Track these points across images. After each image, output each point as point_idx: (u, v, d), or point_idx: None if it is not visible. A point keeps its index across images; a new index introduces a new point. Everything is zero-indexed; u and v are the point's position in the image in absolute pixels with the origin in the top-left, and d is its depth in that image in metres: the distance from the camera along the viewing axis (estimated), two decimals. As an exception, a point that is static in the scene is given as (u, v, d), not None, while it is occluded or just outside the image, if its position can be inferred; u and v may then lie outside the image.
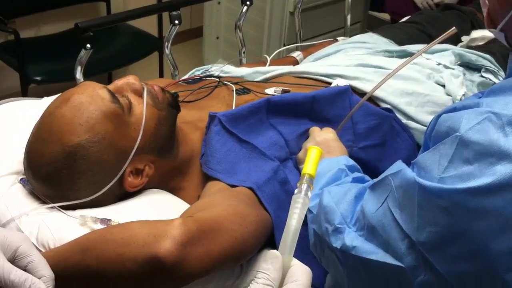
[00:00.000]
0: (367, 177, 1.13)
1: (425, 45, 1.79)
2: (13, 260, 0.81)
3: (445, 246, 0.81)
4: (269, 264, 0.72)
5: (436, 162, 0.83)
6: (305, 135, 1.35)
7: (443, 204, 0.80)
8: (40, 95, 1.55)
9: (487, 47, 1.88)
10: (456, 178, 0.79)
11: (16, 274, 0.78)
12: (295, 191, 0.83)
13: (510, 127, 0.79)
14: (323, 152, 1.24)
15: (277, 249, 1.15)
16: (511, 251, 0.78)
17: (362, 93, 1.52)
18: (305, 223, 1.18)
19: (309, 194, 0.84)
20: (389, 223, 0.88)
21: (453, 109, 0.91)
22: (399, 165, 0.91)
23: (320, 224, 1.01)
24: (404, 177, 0.87)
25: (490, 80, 1.74)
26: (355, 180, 1.10)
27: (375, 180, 0.96)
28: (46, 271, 0.81)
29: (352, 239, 0.93)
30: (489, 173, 0.77)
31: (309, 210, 1.07)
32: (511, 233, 0.77)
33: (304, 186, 0.83)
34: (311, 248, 1.08)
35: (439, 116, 0.92)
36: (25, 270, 0.80)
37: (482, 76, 1.75)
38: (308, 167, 0.85)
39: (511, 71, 0.96)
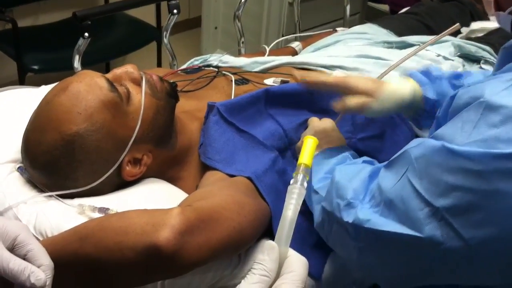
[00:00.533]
0: (376, 161, 1.13)
1: (426, 36, 1.80)
2: (12, 249, 0.81)
3: (471, 211, 0.80)
4: (265, 255, 0.72)
5: (458, 130, 0.83)
6: (304, 126, 1.35)
7: (474, 167, 0.79)
8: (37, 84, 1.54)
9: (486, 39, 1.88)
10: (483, 142, 0.79)
11: (15, 262, 0.78)
12: (291, 182, 0.82)
13: None
14: (322, 142, 1.25)
15: (274, 239, 1.16)
16: None
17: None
18: (302, 214, 1.19)
19: (305, 184, 0.83)
20: (408, 195, 0.87)
21: (467, 87, 0.91)
22: (418, 139, 0.91)
23: (331, 200, 1.00)
24: (428, 145, 0.86)
25: (489, 71, 1.74)
26: (366, 162, 1.10)
27: (391, 159, 0.96)
28: (45, 260, 0.81)
29: (365, 213, 0.92)
30: None
31: (315, 192, 1.07)
32: None
33: (300, 176, 0.82)
34: (316, 227, 1.08)
35: (453, 96, 0.92)
36: (24, 259, 0.80)
37: (481, 68, 1.75)
38: (304, 157, 0.84)
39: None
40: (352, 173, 1.02)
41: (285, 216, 0.81)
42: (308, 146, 0.85)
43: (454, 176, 0.81)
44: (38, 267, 0.80)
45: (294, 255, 0.74)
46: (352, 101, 1.16)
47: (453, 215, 0.82)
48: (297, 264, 0.73)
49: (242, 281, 0.70)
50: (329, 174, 1.09)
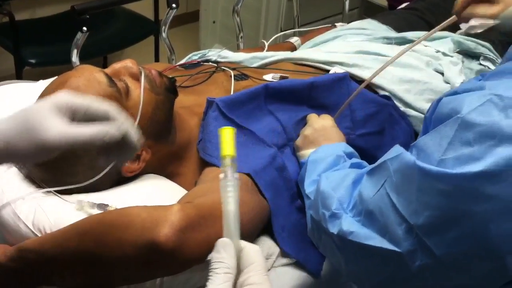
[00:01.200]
0: (365, 163, 1.12)
1: (425, 32, 1.79)
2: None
3: (443, 230, 0.80)
4: (222, 252, 0.70)
5: (436, 144, 0.82)
6: (303, 122, 1.34)
7: (443, 187, 0.79)
8: (35, 78, 1.54)
9: (486, 35, 1.86)
10: (456, 160, 0.78)
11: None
12: (220, 177, 0.79)
13: None
14: (320, 139, 1.24)
15: (273, 235, 1.15)
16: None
17: (361, 81, 1.51)
18: (301, 211, 1.19)
19: (235, 175, 0.80)
20: (386, 208, 0.87)
21: (454, 93, 0.90)
22: (397, 149, 0.90)
23: (318, 209, 1.00)
24: (403, 161, 0.86)
25: (489, 68, 1.73)
26: (353, 166, 1.10)
27: (373, 165, 0.95)
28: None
29: (349, 224, 0.92)
30: (489, 155, 0.76)
31: (306, 196, 1.07)
32: (511, 216, 0.77)
33: (228, 169, 0.80)
34: (309, 234, 1.08)
35: (439, 99, 0.91)
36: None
37: (480, 64, 1.75)
38: (226, 149, 0.81)
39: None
40: (336, 181, 1.01)
41: (227, 212, 0.77)
42: (226, 137, 0.81)
43: (426, 195, 0.81)
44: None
45: (248, 245, 0.72)
46: (483, 10, 1.12)
47: (426, 234, 0.82)
48: (254, 254, 0.71)
49: (208, 283, 0.68)
50: None
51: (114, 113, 0.80)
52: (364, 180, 0.95)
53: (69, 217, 1.01)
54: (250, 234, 1.04)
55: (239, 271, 0.70)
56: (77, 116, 0.78)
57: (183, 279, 1.03)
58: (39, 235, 1.02)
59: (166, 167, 1.23)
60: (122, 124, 0.79)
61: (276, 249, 1.16)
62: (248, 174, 1.15)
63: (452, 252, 0.81)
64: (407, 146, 0.95)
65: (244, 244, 0.72)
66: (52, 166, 1.07)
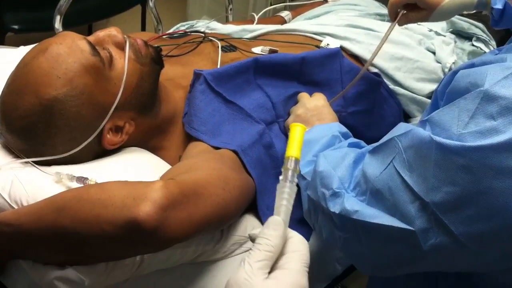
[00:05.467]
0: (363, 143, 1.10)
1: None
2: None
3: (462, 207, 0.78)
4: (271, 229, 0.67)
5: (455, 118, 0.80)
6: (292, 99, 1.31)
7: (463, 162, 0.76)
8: (17, 45, 1.49)
9: (479, 16, 1.84)
10: (478, 134, 0.76)
11: None
12: (280, 178, 0.75)
13: None
14: (313, 119, 1.21)
15: (258, 213, 1.13)
16: None
17: (351, 54, 1.49)
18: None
19: (296, 180, 0.76)
20: (396, 186, 0.84)
21: (471, 65, 0.87)
22: (405, 126, 0.88)
23: (316, 189, 0.97)
24: (416, 136, 0.83)
25: (481, 49, 1.72)
26: (352, 145, 1.07)
27: (376, 144, 0.93)
28: None
29: (352, 203, 0.90)
30: None
31: (302, 177, 1.04)
32: None
33: (290, 172, 0.75)
34: (304, 215, 1.05)
35: (455, 72, 0.88)
36: None
37: (473, 45, 1.73)
38: (293, 149, 0.75)
39: None
40: (336, 160, 0.98)
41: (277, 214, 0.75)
42: (296, 136, 0.76)
43: (443, 171, 0.78)
44: None
45: (297, 235, 0.69)
46: (414, 16, 1.28)
47: (443, 211, 0.80)
48: (301, 244, 0.68)
49: (245, 257, 0.65)
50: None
51: None
52: (367, 159, 0.93)
53: (47, 190, 0.97)
54: (234, 213, 1.01)
55: (281, 254, 0.67)
56: None
57: (164, 257, 1.00)
58: (16, 207, 0.98)
59: (149, 140, 1.19)
60: None
61: (260, 228, 1.13)
62: (234, 151, 1.12)
63: (470, 230, 0.79)
64: (395, 126, 0.92)
65: (294, 233, 0.69)
66: (31, 136, 1.03)
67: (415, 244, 0.83)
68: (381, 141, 0.91)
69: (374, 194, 0.88)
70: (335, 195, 0.93)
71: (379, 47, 1.27)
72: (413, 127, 0.86)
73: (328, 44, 1.48)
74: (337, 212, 0.91)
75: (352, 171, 0.95)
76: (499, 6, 1.19)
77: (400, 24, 1.31)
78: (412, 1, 1.25)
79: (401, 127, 0.88)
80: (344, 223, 0.91)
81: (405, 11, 1.27)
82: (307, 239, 1.16)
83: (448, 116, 0.81)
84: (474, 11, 1.26)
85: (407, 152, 0.84)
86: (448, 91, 0.87)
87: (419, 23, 1.66)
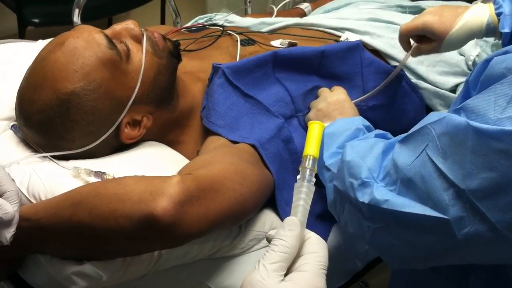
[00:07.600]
0: (389, 134, 1.08)
1: (440, 1, 1.74)
2: None
3: (500, 193, 0.76)
4: (286, 230, 0.66)
5: (491, 103, 0.77)
6: (312, 93, 1.30)
7: (502, 146, 0.74)
8: (37, 39, 1.49)
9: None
10: None
11: None
12: (298, 177, 0.73)
13: None
14: (335, 113, 1.20)
15: (277, 208, 1.11)
16: None
17: (372, 49, 1.47)
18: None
19: (313, 180, 0.74)
20: (429, 174, 0.82)
21: (505, 52, 0.85)
22: (438, 113, 0.86)
23: (343, 179, 0.95)
24: (451, 123, 0.81)
25: (505, 41, 1.68)
26: (379, 136, 1.05)
27: (407, 133, 0.91)
28: (10, 186, 0.77)
29: (382, 193, 0.87)
30: None
31: (326, 168, 1.02)
32: None
33: (307, 172, 0.73)
34: (329, 207, 1.03)
35: (487, 60, 0.86)
36: None
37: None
38: (311, 147, 0.74)
39: None
40: (364, 150, 0.96)
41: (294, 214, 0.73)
42: (314, 134, 0.75)
43: (480, 157, 0.76)
44: (3, 194, 0.76)
45: (315, 236, 0.67)
46: (425, 48, 1.28)
47: (479, 198, 0.77)
48: (319, 245, 0.66)
49: (260, 259, 0.64)
50: (341, 149, 1.04)
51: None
52: (398, 148, 0.91)
53: (65, 184, 0.97)
54: (252, 209, 1.00)
55: (298, 255, 0.65)
56: None
57: (181, 252, 1.00)
58: (34, 201, 0.98)
59: (167, 134, 1.18)
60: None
61: (279, 223, 1.12)
62: (253, 145, 1.11)
63: (507, 217, 0.77)
64: (416, 120, 0.91)
65: (312, 234, 0.68)
66: (48, 130, 1.03)
67: (448, 234, 0.81)
68: (412, 130, 0.89)
69: (405, 183, 0.86)
70: (364, 184, 0.91)
71: (396, 72, 1.32)
72: (447, 114, 0.84)
73: (347, 39, 1.46)
74: (366, 202, 0.89)
75: (381, 161, 0.93)
76: (507, 29, 1.16)
77: (414, 56, 1.32)
78: (420, 33, 1.25)
79: (433, 116, 0.86)
80: (373, 213, 0.89)
81: (416, 44, 1.29)
82: (326, 235, 1.15)
83: (484, 102, 0.79)
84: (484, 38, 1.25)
85: (441, 139, 0.82)
86: (482, 78, 0.85)
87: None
